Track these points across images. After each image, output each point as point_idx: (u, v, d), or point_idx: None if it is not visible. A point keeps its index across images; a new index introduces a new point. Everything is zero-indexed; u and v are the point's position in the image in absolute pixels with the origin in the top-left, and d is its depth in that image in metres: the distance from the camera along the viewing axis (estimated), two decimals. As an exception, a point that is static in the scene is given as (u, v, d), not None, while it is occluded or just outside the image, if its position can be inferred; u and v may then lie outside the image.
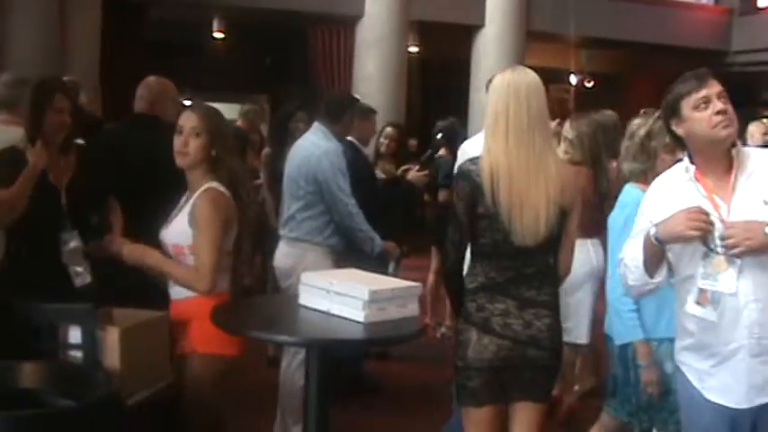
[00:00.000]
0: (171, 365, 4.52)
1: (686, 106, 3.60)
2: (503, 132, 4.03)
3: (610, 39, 19.89)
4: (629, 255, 3.77)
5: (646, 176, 4.66)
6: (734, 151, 3.60)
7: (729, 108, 3.54)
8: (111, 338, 4.16)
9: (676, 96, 3.64)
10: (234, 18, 18.58)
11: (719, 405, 3.60)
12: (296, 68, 19.29)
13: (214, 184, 4.50)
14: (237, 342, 4.40)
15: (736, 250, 3.39)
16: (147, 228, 4.66)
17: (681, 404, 3.90)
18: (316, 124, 6.63)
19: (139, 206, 4.92)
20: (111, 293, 4.75)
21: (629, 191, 4.83)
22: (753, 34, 20.54)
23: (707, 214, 3.42)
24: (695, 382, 3.70)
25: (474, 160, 4.07)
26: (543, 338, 4.09)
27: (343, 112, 6.64)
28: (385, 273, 5.99)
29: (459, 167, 4.19)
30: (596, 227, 6.14)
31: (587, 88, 22.22)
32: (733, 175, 3.57)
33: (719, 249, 3.46)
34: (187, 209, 4.50)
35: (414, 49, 18.82)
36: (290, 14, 16.65)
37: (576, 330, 6.41)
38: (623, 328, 4.74)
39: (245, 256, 4.75)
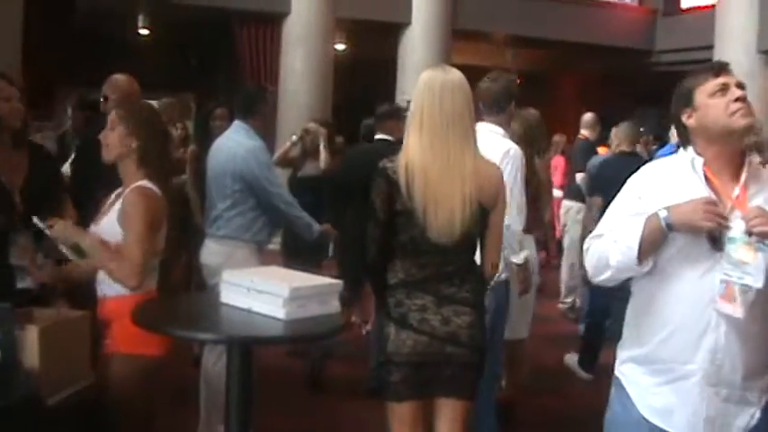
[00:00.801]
0: (92, 365, 4.48)
1: (701, 93, 3.33)
2: (417, 130, 4.10)
3: (536, 37, 20.05)
4: (623, 234, 3.34)
5: None
6: (748, 159, 3.35)
7: (748, 99, 3.29)
8: (31, 338, 4.10)
9: (690, 85, 3.38)
10: (159, 15, 18.45)
11: (658, 428, 3.36)
12: (223, 66, 19.23)
13: (144, 182, 4.45)
14: (161, 341, 4.34)
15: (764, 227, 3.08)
16: None
17: (611, 421, 3.59)
18: (236, 122, 6.60)
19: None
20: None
21: None
22: (676, 34, 20.82)
23: (722, 209, 3.19)
24: (635, 399, 3.45)
25: (392, 158, 4.10)
26: (463, 335, 4.13)
27: (256, 105, 6.61)
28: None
29: (378, 165, 4.20)
30: (528, 223, 6.21)
31: (514, 87, 22.36)
32: (741, 182, 3.30)
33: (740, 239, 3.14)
34: (117, 205, 4.45)
35: (341, 47, 18.84)
36: (217, 11, 16.60)
37: (515, 326, 6.47)
38: None
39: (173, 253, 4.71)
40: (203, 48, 19.79)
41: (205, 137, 8.01)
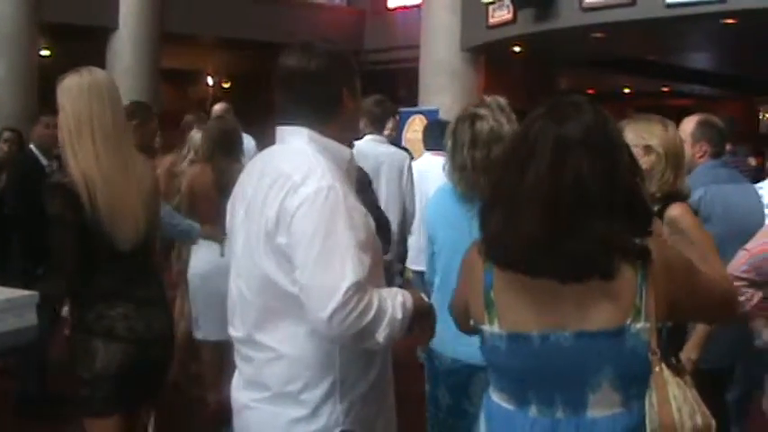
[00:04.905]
0: None
1: None
2: (89, 138, 3.93)
3: (246, 39, 20.08)
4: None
5: None
6: None
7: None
8: None
9: None
10: None
11: None
12: None
13: None
14: None
15: None
16: None
17: None
18: None
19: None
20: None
21: None
22: (384, 34, 21.32)
23: None
24: None
25: (64, 171, 3.94)
26: (163, 336, 4.13)
27: (132, 119, 6.41)
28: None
29: (51, 180, 4.05)
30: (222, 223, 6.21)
31: (225, 89, 22.37)
32: None
33: None
34: None
35: (46, 52, 18.30)
36: None
37: (213, 326, 6.41)
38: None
39: None
40: None
41: None
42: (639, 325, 2.49)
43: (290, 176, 2.86)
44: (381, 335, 2.78)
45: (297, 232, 2.79)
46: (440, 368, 3.96)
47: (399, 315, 2.83)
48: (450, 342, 3.80)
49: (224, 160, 6.44)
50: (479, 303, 2.62)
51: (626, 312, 2.49)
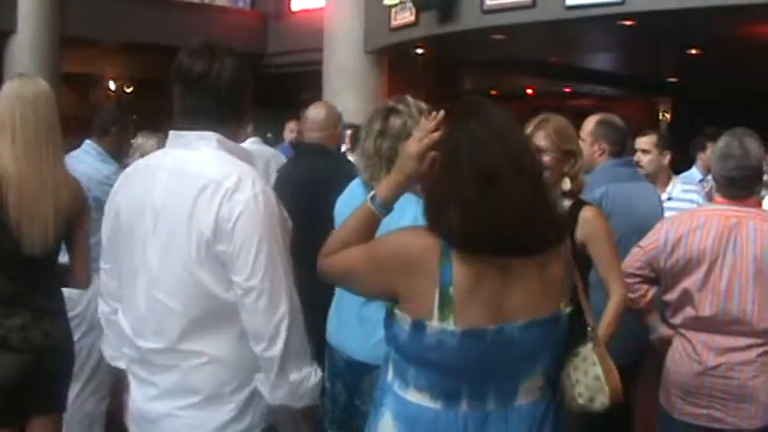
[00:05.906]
0: None
1: None
2: (9, 141, 3.94)
3: (148, 43, 19.85)
4: None
5: None
6: None
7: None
8: None
9: None
10: None
11: None
12: None
13: None
14: None
15: None
16: None
17: None
18: (87, 142, 6.31)
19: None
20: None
21: None
22: (286, 37, 21.21)
23: None
24: None
25: None
26: (60, 347, 4.08)
27: (111, 126, 6.37)
28: None
29: None
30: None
31: (127, 93, 22.11)
32: None
33: None
34: None
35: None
36: None
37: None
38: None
39: None
40: None
41: None
42: (569, 309, 2.67)
43: (221, 183, 2.86)
44: (300, 379, 2.94)
45: (240, 237, 2.82)
46: (339, 364, 3.99)
47: (317, 384, 3.02)
48: (348, 340, 3.90)
49: None
50: (428, 300, 2.58)
51: (560, 297, 2.64)
